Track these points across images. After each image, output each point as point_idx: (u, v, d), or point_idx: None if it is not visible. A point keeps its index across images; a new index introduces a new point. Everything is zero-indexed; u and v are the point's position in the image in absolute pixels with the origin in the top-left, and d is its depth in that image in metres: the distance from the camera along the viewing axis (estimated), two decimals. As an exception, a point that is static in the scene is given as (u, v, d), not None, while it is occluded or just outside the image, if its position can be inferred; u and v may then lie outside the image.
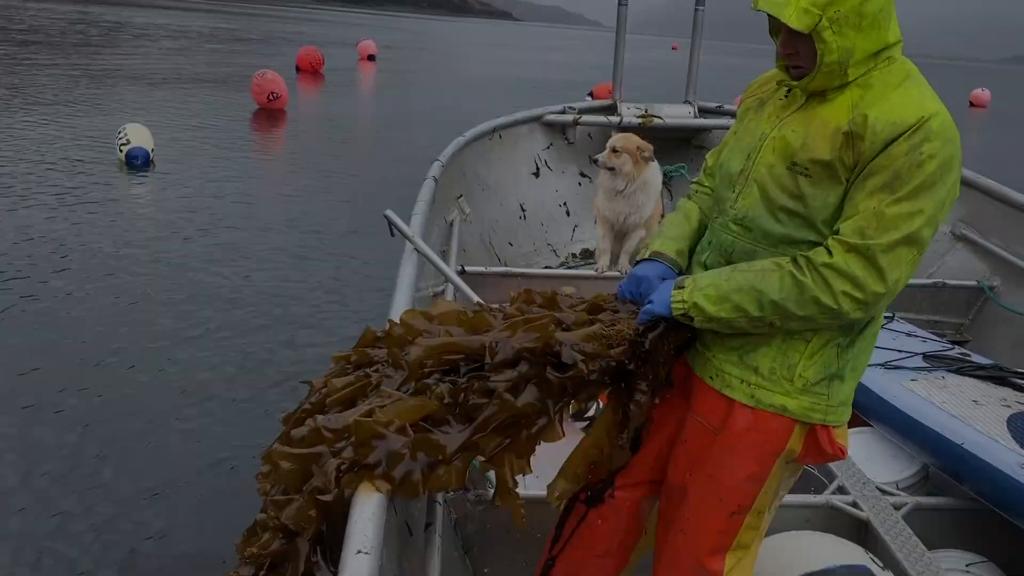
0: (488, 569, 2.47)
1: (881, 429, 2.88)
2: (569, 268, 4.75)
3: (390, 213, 3.12)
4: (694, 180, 2.02)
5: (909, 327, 3.44)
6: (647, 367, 1.70)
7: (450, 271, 3.21)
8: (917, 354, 3.07)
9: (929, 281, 4.10)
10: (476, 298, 3.00)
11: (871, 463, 2.77)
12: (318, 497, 1.47)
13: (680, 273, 1.83)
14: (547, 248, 5.00)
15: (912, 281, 4.04)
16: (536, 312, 1.81)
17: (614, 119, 5.34)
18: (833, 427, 1.71)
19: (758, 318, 1.61)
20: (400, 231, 3.10)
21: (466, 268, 3.77)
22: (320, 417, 1.60)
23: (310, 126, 13.56)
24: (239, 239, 6.57)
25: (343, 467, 1.50)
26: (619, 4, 5.32)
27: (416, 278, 2.83)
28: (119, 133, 8.92)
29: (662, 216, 4.26)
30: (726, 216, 1.73)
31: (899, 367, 2.97)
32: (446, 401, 1.59)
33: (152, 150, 8.86)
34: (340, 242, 6.66)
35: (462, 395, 1.60)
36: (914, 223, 1.52)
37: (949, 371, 2.96)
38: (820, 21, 1.51)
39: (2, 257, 5.61)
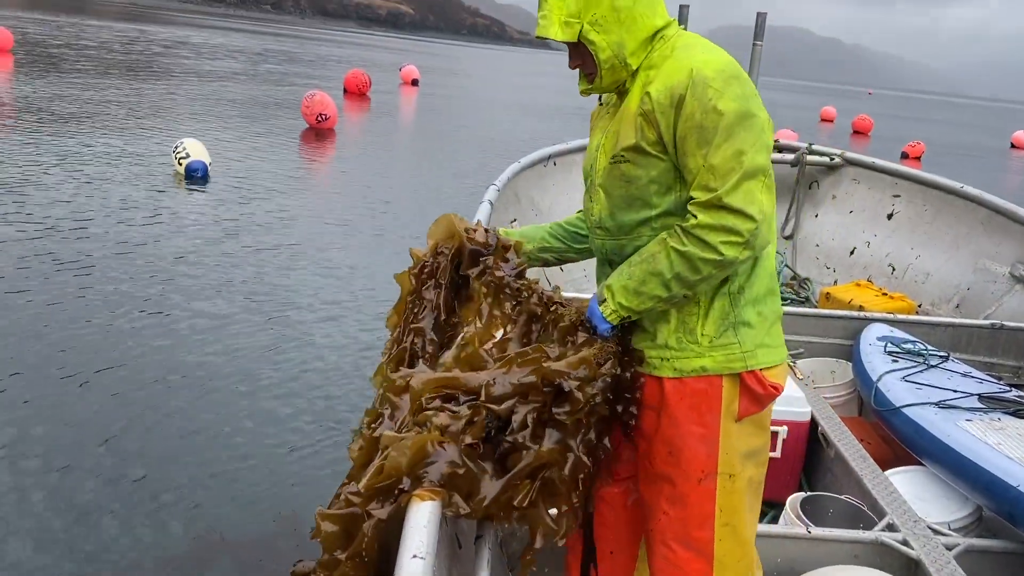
0: None
1: (933, 468, 2.87)
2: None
3: None
4: None
5: (965, 367, 3.41)
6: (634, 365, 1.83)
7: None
8: (972, 395, 3.05)
9: (987, 322, 4.06)
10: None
11: (922, 502, 2.76)
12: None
13: (529, 259, 2.10)
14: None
15: (968, 322, 4.06)
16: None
17: None
18: (761, 370, 1.79)
19: (671, 296, 1.72)
20: None
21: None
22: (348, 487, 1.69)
23: (359, 147, 13.85)
24: (294, 253, 6.78)
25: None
26: None
27: None
28: (176, 147, 9.21)
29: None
30: (592, 225, 1.93)
31: (953, 407, 2.96)
32: (450, 430, 1.64)
33: (209, 164, 9.13)
34: (392, 260, 6.82)
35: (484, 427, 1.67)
36: (744, 159, 1.63)
37: (1006, 413, 2.94)
38: (582, 28, 1.71)
39: (72, 263, 5.82)
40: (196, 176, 8.87)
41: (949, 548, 2.45)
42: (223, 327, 5.02)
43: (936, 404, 2.98)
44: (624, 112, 1.79)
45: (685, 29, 1.84)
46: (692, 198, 1.69)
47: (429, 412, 1.69)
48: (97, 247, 6.26)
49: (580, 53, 1.78)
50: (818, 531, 2.48)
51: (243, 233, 7.13)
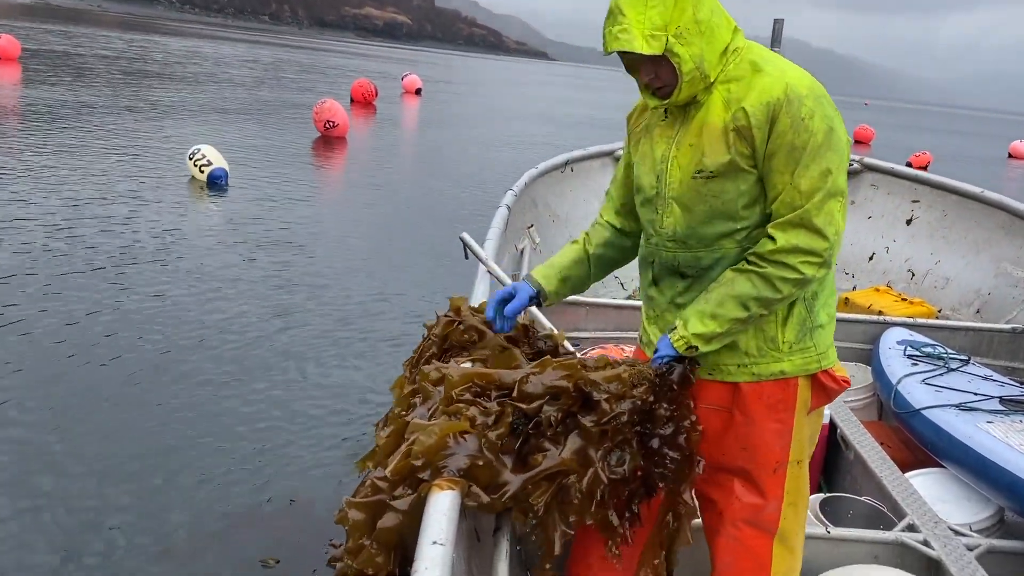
0: None
1: (953, 470, 2.88)
2: (636, 300, 4.81)
3: (465, 236, 3.16)
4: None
5: (985, 371, 3.43)
6: (669, 404, 1.81)
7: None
8: (994, 397, 3.07)
9: (1007, 327, 4.05)
10: (548, 324, 3.06)
11: (943, 504, 2.76)
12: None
13: (539, 294, 2.11)
14: (614, 280, 5.03)
15: (988, 326, 4.06)
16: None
17: None
18: (831, 368, 1.89)
19: (748, 317, 1.77)
20: (474, 253, 3.15)
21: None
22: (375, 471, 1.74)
23: (368, 153, 13.99)
24: (315, 257, 6.88)
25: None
26: None
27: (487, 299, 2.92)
28: (193, 153, 9.21)
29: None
30: (660, 237, 1.91)
31: (974, 409, 2.97)
32: (478, 423, 1.68)
33: (227, 171, 9.18)
34: (407, 262, 6.90)
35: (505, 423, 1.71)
36: (828, 179, 1.70)
37: (1027, 415, 2.94)
38: (667, 41, 1.70)
39: (101, 271, 5.86)
40: (219, 184, 8.89)
41: (970, 549, 2.45)
42: (256, 331, 5.06)
43: (956, 407, 3.00)
44: (705, 126, 1.78)
45: (779, 44, 1.88)
46: (772, 213, 1.75)
47: (461, 404, 1.74)
48: (120, 255, 6.29)
49: (656, 66, 1.76)
50: (838, 531, 2.49)
51: (269, 242, 7.18)
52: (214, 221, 7.74)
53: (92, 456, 3.53)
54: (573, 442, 1.71)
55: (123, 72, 22.28)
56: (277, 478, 3.53)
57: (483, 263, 3.10)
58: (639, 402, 1.76)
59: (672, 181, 1.85)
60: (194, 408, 4.04)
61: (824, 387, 1.89)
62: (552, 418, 1.72)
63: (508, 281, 3.11)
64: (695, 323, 1.79)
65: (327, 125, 14.04)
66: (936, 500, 2.76)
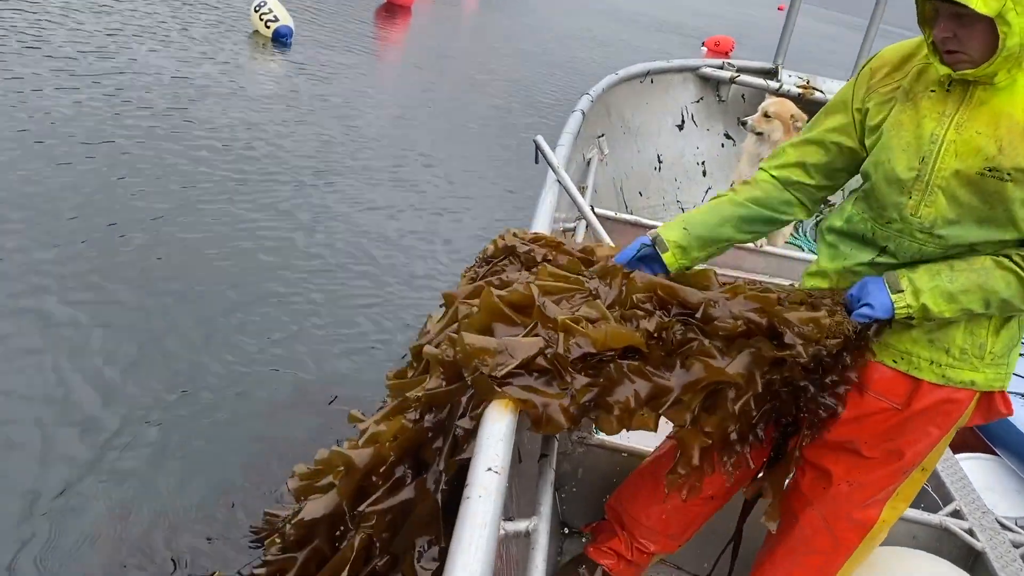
0: (566, 508, 2.51)
1: (1008, 459, 2.77)
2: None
3: (539, 140, 3.02)
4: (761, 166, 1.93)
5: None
6: (840, 367, 1.67)
7: (588, 211, 3.13)
8: (1067, 392, 2.90)
9: None
10: (609, 241, 2.93)
11: (992, 493, 2.69)
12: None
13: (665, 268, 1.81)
14: (676, 205, 4.86)
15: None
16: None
17: (773, 84, 5.09)
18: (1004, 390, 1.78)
19: (981, 314, 1.63)
20: (547, 160, 3.01)
21: (595, 209, 3.69)
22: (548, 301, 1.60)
23: (432, 30, 13.49)
24: (374, 134, 6.72)
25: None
26: None
27: (554, 210, 2.78)
28: (260, 6, 8.92)
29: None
30: (907, 224, 1.65)
31: (1043, 401, 2.81)
32: (652, 339, 1.56)
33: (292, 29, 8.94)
34: (471, 155, 6.72)
35: (671, 339, 1.57)
36: None
37: (1099, 413, 2.78)
38: (1004, 4, 1.44)
39: (151, 119, 5.78)
40: (284, 42, 8.71)
41: (1016, 546, 2.36)
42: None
43: (1020, 395, 2.82)
44: (1006, 117, 1.54)
45: None
46: None
47: (640, 312, 1.62)
48: (173, 102, 6.20)
49: (962, 26, 1.51)
50: (878, 503, 2.40)
51: (328, 110, 7.01)
52: (274, 81, 7.56)
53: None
54: (744, 359, 1.59)
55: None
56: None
57: (554, 170, 2.96)
58: (824, 352, 1.62)
59: (944, 169, 1.59)
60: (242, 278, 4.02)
61: (992, 409, 1.78)
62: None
63: (577, 195, 2.97)
64: (929, 298, 1.61)
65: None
66: (986, 488, 2.68)
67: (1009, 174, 1.53)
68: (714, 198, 1.92)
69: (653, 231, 1.86)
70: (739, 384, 1.56)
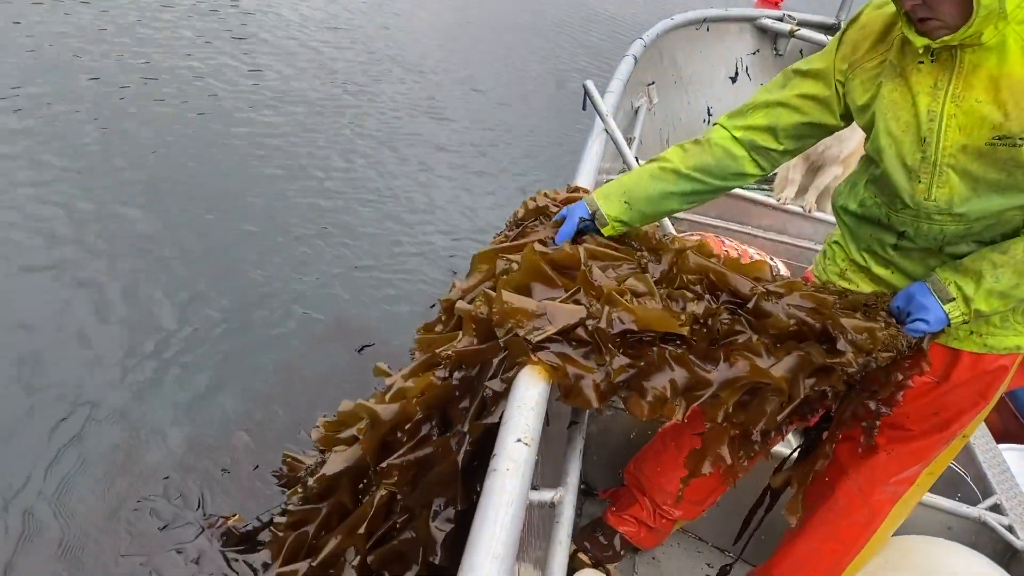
0: (585, 469, 2.43)
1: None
2: (747, 189, 4.44)
3: (589, 85, 2.87)
4: (720, 122, 1.75)
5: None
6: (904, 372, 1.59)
7: (635, 164, 3.00)
8: None
9: None
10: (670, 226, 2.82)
11: (1034, 488, 2.55)
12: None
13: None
14: None
15: None
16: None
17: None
18: None
19: None
20: (596, 108, 2.86)
21: (640, 162, 3.55)
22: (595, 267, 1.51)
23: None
24: (417, 62, 6.49)
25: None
26: None
27: (600, 159, 2.66)
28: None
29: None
30: (920, 208, 1.54)
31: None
32: (697, 323, 1.46)
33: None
34: (517, 95, 6.49)
35: (717, 327, 1.47)
36: None
37: None
38: None
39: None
40: None
41: (1059, 547, 2.26)
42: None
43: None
44: (1004, 78, 1.40)
45: None
46: None
47: (689, 294, 1.53)
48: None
49: None
50: (915, 492, 2.31)
51: (366, 41, 6.77)
52: (313, 8, 7.31)
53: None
54: (790, 362, 1.49)
55: None
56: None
57: (602, 119, 2.84)
58: (874, 365, 1.52)
59: (949, 146, 1.46)
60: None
61: None
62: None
63: (624, 146, 2.83)
64: (981, 301, 1.53)
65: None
66: (1030, 483, 2.54)
67: (1022, 138, 1.40)
68: (653, 160, 1.75)
69: (591, 199, 1.74)
70: (781, 388, 1.46)
